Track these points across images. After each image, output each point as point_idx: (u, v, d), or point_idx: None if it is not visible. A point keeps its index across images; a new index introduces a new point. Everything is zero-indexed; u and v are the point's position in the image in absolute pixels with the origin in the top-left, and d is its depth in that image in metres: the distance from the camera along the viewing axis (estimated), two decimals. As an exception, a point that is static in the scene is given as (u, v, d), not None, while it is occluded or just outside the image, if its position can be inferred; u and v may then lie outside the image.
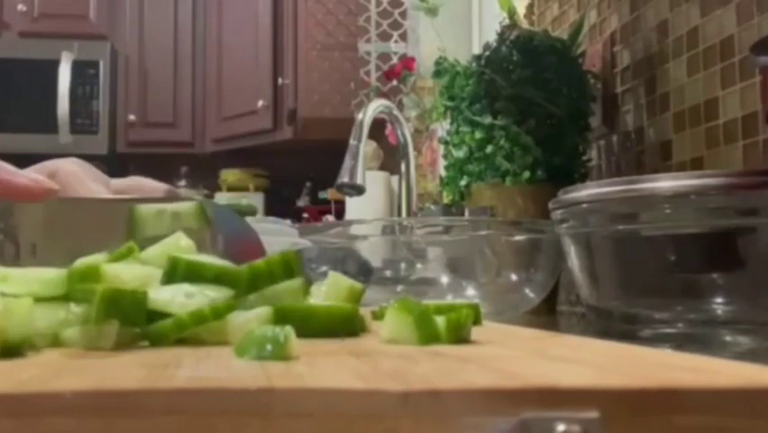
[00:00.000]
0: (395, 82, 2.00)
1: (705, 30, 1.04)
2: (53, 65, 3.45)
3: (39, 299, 0.36)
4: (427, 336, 0.37)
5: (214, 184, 3.62)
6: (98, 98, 3.50)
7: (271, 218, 1.82)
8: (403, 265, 1.05)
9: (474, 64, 1.22)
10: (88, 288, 0.37)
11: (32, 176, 0.51)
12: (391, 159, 2.34)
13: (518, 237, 1.02)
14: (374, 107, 1.38)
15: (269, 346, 0.31)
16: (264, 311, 0.38)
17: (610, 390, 0.24)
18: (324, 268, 1.03)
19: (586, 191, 0.74)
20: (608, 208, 0.73)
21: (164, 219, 0.52)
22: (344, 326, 0.41)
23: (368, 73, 2.50)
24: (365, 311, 0.45)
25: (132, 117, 3.64)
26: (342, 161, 1.31)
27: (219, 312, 0.37)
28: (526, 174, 1.14)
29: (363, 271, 1.04)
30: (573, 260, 0.80)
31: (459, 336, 0.38)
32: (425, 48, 2.22)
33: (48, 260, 0.49)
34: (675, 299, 0.70)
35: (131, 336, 0.36)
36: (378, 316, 0.48)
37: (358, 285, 0.44)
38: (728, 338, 0.66)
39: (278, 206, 3.35)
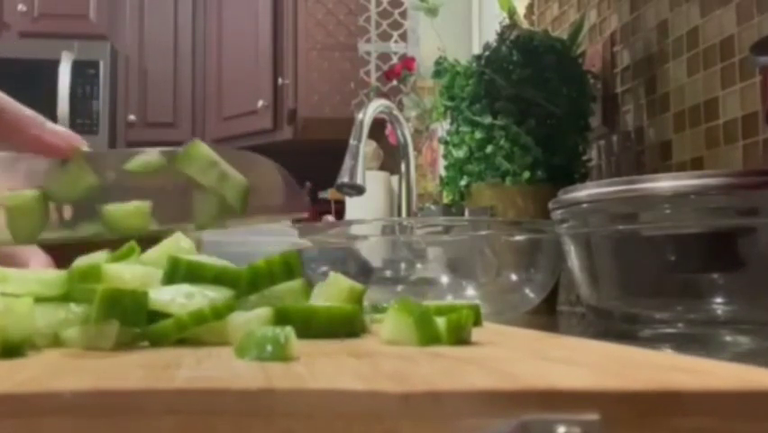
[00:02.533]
0: (395, 82, 2.00)
1: (705, 30, 1.04)
2: (53, 65, 3.45)
3: (39, 299, 0.36)
4: (428, 336, 0.37)
5: (214, 184, 3.61)
6: (98, 98, 3.49)
7: (271, 218, 1.82)
8: (403, 265, 1.05)
9: (474, 64, 1.22)
10: (89, 288, 0.37)
11: (59, 131, 0.51)
12: (391, 159, 2.34)
13: (518, 237, 1.02)
14: (374, 107, 1.38)
15: (269, 347, 0.31)
16: (264, 312, 0.38)
17: (610, 392, 0.24)
18: (324, 268, 1.03)
19: (586, 191, 0.74)
20: (607, 208, 0.73)
21: (212, 173, 0.52)
22: (345, 326, 0.41)
23: (368, 73, 2.49)
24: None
25: (132, 117, 3.64)
26: (342, 161, 1.30)
27: (219, 312, 0.37)
28: (526, 174, 1.14)
29: (363, 272, 1.03)
30: (573, 260, 0.80)
31: (459, 336, 0.38)
32: (425, 48, 2.22)
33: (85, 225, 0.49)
34: (675, 299, 0.69)
35: (131, 336, 0.36)
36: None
37: (358, 286, 0.44)
38: (728, 338, 0.66)
39: (278, 206, 3.34)
